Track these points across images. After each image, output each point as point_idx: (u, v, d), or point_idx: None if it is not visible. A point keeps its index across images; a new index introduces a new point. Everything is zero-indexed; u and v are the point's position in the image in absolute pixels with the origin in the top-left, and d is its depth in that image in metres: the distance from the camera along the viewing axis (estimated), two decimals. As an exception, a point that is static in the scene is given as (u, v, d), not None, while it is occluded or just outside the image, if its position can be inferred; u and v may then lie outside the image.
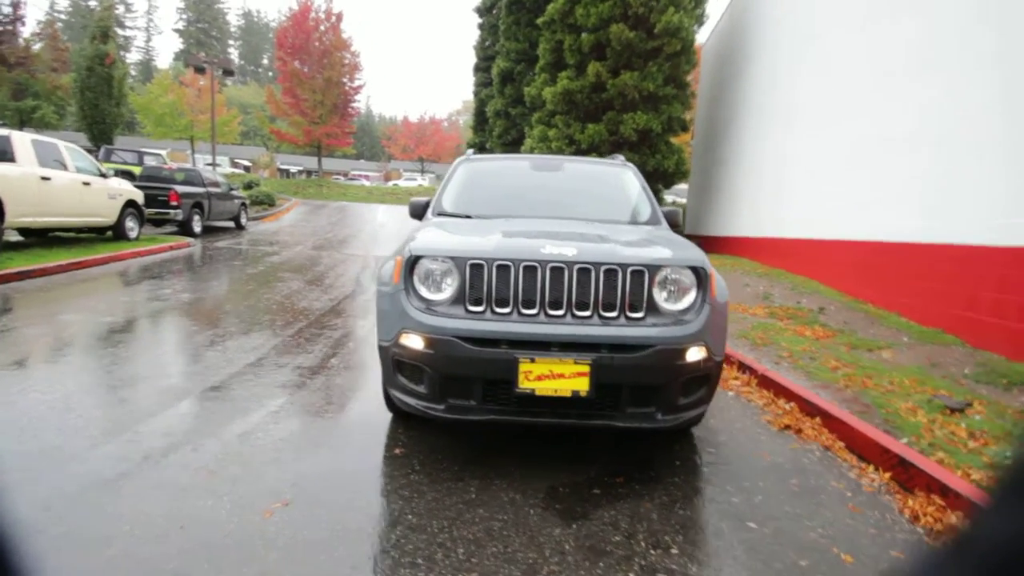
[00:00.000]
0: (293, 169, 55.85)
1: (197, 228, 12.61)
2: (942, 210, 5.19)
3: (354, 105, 38.47)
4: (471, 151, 4.06)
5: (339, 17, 34.51)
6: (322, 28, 33.98)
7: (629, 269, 2.26)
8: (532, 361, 2.18)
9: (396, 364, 2.40)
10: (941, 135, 5.32)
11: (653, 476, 2.49)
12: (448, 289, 2.35)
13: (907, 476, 2.44)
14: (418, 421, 2.87)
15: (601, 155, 12.80)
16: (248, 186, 18.93)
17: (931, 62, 5.58)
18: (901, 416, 3.21)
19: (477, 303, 2.30)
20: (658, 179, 13.69)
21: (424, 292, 2.37)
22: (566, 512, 2.16)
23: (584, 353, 2.19)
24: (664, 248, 2.49)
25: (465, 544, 1.91)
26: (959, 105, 5.13)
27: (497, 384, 2.24)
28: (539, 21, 14.55)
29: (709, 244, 13.24)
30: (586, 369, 2.17)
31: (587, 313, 2.25)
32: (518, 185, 3.66)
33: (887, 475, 2.53)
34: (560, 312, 2.26)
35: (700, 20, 13.01)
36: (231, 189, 15.26)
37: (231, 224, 15.05)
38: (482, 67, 21.82)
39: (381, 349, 2.51)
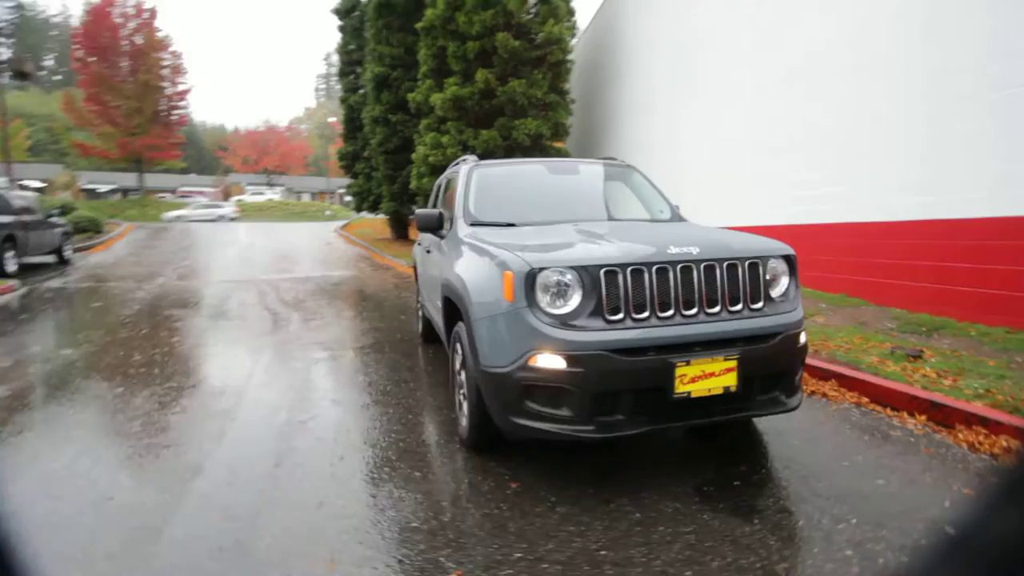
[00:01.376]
0: (103, 188, 47.14)
1: (11, 267, 10.04)
2: (840, 196, 6.21)
3: (179, 112, 33.80)
4: (473, 157, 3.80)
5: (152, 14, 30.03)
6: (131, 25, 29.26)
7: (747, 262, 2.33)
8: (687, 364, 2.13)
9: (526, 390, 2.16)
10: (823, 137, 6.37)
11: (752, 452, 2.60)
12: (572, 301, 2.18)
13: (943, 415, 2.89)
14: (505, 454, 2.62)
15: (496, 159, 12.97)
16: (63, 211, 15.48)
17: (792, 79, 6.66)
18: (879, 368, 3.77)
19: (615, 311, 2.17)
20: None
21: (551, 307, 2.17)
22: (735, 507, 2.15)
23: (730, 349, 2.21)
24: (749, 239, 2.61)
25: (684, 565, 1.80)
26: (830, 111, 6.19)
27: (647, 393, 2.14)
28: (418, 27, 14.22)
29: None
30: (734, 364, 2.19)
31: (716, 309, 2.27)
32: (544, 190, 3.55)
33: (923, 418, 2.97)
34: (693, 311, 2.24)
35: (573, 31, 13.87)
36: (48, 216, 12.39)
37: (50, 258, 12.20)
38: (348, 72, 20.60)
39: (495, 376, 2.24)
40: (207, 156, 60.05)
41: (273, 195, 47.14)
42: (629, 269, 2.18)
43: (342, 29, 20.65)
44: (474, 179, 3.44)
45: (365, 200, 20.40)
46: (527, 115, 13.30)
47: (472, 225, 3.12)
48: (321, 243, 20.26)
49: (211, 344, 5.47)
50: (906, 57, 5.24)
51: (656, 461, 2.59)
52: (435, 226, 3.42)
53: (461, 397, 2.77)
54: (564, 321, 2.15)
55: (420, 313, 5.29)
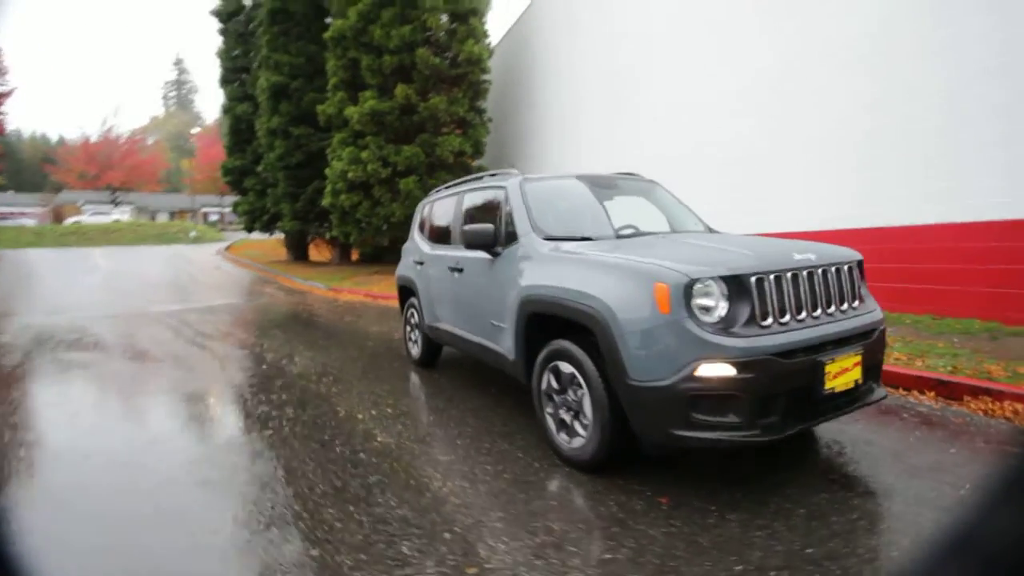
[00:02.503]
0: None
1: None
2: (765, 211, 7.03)
3: (-2, 118, 28.12)
4: (514, 170, 3.66)
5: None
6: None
7: (846, 266, 2.57)
8: (832, 361, 2.27)
9: (692, 400, 2.14)
10: (753, 154, 7.22)
11: (833, 438, 2.84)
12: (728, 309, 2.22)
13: (948, 391, 3.41)
14: (617, 471, 2.54)
15: (420, 176, 12.67)
16: None
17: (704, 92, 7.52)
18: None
19: (764, 317, 2.25)
20: (471, 198, 14.27)
21: (709, 316, 2.19)
22: (865, 483, 2.34)
23: (855, 345, 2.40)
24: (827, 246, 2.86)
25: (884, 544, 1.91)
26: (763, 131, 7.06)
27: (800, 393, 2.24)
28: (326, 37, 13.47)
29: None
30: (859, 359, 2.38)
31: (832, 309, 2.46)
32: (599, 204, 3.55)
33: (932, 394, 3.47)
34: (819, 312, 2.41)
35: (490, 52, 14.14)
36: None
37: None
38: (233, 79, 18.70)
39: (652, 390, 2.19)
40: (28, 171, 50.57)
41: (120, 215, 41.08)
42: (772, 276, 2.29)
43: (224, 33, 18.79)
44: (529, 194, 3.35)
45: (258, 219, 18.59)
46: (449, 132, 13.22)
47: (548, 239, 3.03)
48: (207, 267, 18.03)
49: (172, 402, 4.59)
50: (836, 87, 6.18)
51: (756, 462, 2.69)
52: (490, 242, 3.26)
53: (568, 417, 2.65)
54: (725, 329, 2.19)
55: (415, 337, 4.97)
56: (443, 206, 4.49)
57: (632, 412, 2.30)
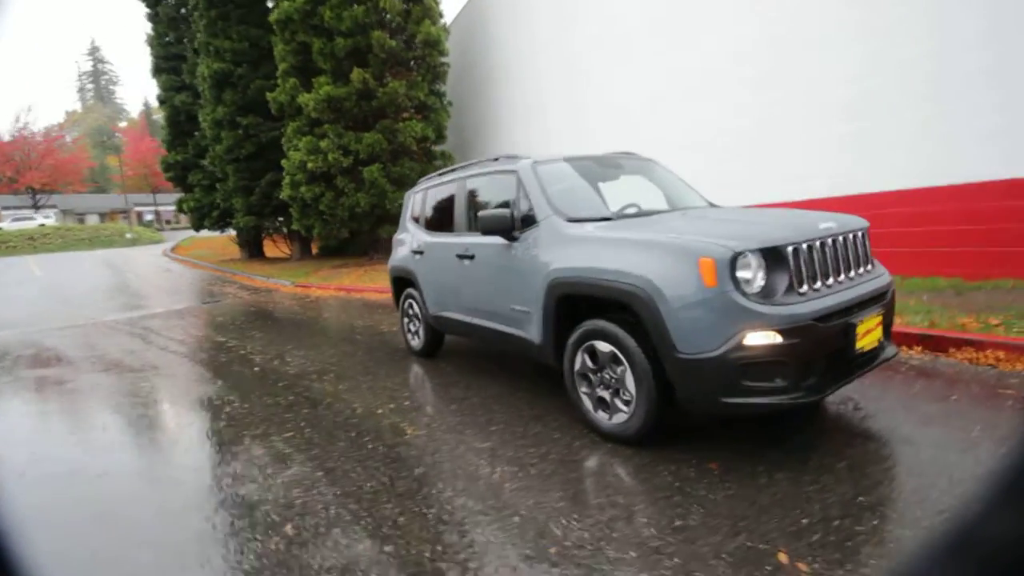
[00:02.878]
0: None
1: None
2: (737, 184, 7.29)
3: None
4: (528, 158, 3.58)
5: None
6: None
7: (860, 232, 2.72)
8: (861, 322, 2.42)
9: (742, 368, 2.23)
10: (711, 138, 7.44)
11: (841, 393, 3.04)
12: (769, 280, 2.32)
13: (934, 343, 3.70)
14: (662, 442, 2.63)
15: (383, 164, 12.34)
16: None
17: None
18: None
19: (800, 284, 2.37)
20: (436, 185, 14.05)
21: (752, 288, 2.28)
22: (887, 431, 2.53)
23: (876, 306, 2.56)
24: (835, 215, 3.00)
25: (929, 487, 2.08)
26: (738, 112, 7.28)
27: (836, 354, 2.37)
28: (271, 19, 12.79)
29: None
30: (880, 319, 2.55)
31: (851, 273, 2.61)
32: (615, 184, 3.57)
33: (919, 348, 3.75)
34: (842, 277, 2.55)
35: (447, 33, 13.81)
36: None
37: None
38: (166, 68, 17.42)
39: (702, 362, 2.26)
40: (-72, 173, 45.78)
41: (45, 219, 38.03)
42: (804, 245, 2.40)
43: (154, 18, 17.45)
44: (544, 177, 3.33)
45: (207, 216, 17.62)
46: (410, 118, 12.89)
47: (572, 220, 3.04)
48: (155, 270, 17.00)
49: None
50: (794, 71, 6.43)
51: (783, 424, 2.84)
52: (507, 228, 3.24)
53: (607, 394, 2.71)
54: (767, 299, 2.28)
55: (414, 328, 4.90)
56: (441, 193, 4.41)
57: (682, 384, 2.37)
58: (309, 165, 12.08)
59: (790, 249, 2.35)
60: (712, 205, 3.83)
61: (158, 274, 15.86)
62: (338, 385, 4.23)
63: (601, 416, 2.78)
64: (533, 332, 3.19)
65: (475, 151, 14.45)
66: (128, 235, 36.41)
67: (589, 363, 2.82)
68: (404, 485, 2.50)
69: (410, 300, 4.90)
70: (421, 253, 4.52)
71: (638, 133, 8.69)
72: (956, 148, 5.04)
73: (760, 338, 2.22)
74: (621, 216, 3.16)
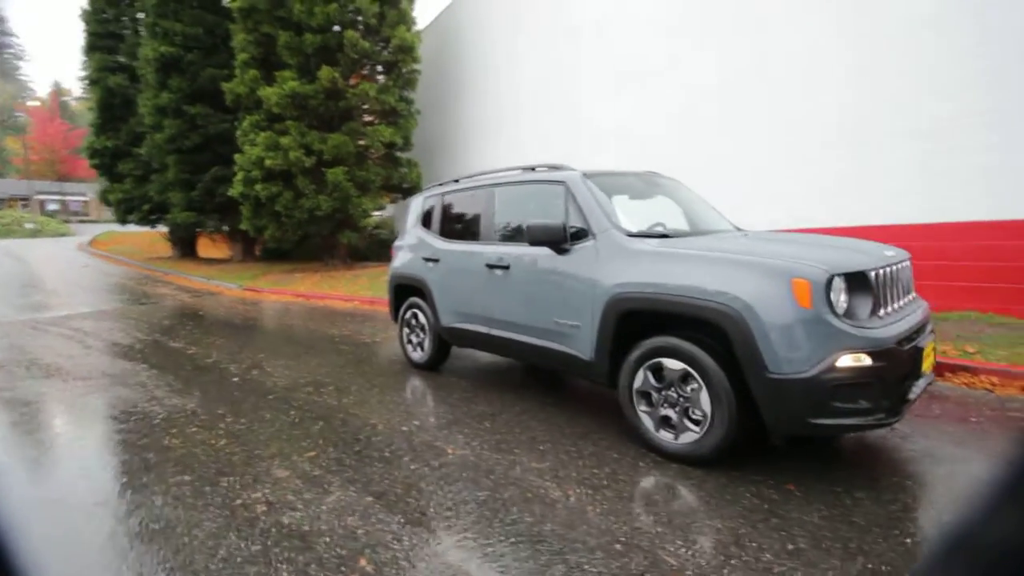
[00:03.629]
0: None
1: None
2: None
3: None
4: (574, 170, 3.46)
5: None
6: None
7: (908, 260, 2.86)
8: (926, 347, 2.51)
9: (834, 389, 2.24)
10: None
11: None
12: (843, 303, 2.36)
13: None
14: (729, 463, 2.60)
15: (349, 168, 11.84)
16: None
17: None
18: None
19: (880, 307, 2.43)
20: (404, 193, 13.67)
21: (843, 310, 2.31)
22: (925, 441, 2.63)
23: (930, 331, 2.68)
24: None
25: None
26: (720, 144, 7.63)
27: (906, 376, 2.44)
28: (233, 6, 12.02)
29: None
30: (933, 344, 2.67)
31: (905, 300, 2.73)
32: (657, 204, 3.54)
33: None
34: (901, 303, 2.65)
35: (420, 40, 13.60)
36: None
37: None
38: (101, 46, 15.83)
39: (794, 382, 2.25)
40: None
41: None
42: (882, 270, 2.48)
43: (90, -11, 15.92)
44: (596, 190, 3.26)
45: (135, 209, 16.05)
46: (380, 122, 12.49)
47: (633, 236, 2.98)
48: (72, 265, 15.25)
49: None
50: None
51: (807, 445, 2.90)
52: (559, 239, 3.13)
53: (674, 413, 2.64)
54: (859, 322, 2.32)
55: (418, 339, 4.64)
56: (462, 200, 4.23)
57: (769, 404, 2.34)
58: (267, 162, 11.36)
59: (873, 274, 2.42)
60: (737, 229, 3.92)
61: (77, 271, 14.21)
62: (341, 399, 3.89)
63: (665, 436, 2.70)
64: (583, 347, 3.08)
65: (442, 161, 14.23)
66: (29, 225, 32.64)
67: (652, 381, 2.74)
68: (474, 511, 2.28)
69: (414, 310, 4.63)
70: (435, 261, 4.30)
71: (609, 156, 8.90)
72: (936, 189, 5.53)
73: (852, 360, 2.24)
74: (678, 234, 3.14)
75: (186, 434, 3.25)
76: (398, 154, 13.26)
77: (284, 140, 11.37)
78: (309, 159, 11.51)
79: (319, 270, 13.21)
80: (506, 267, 3.59)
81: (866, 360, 2.25)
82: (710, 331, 2.53)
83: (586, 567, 1.88)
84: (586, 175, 3.38)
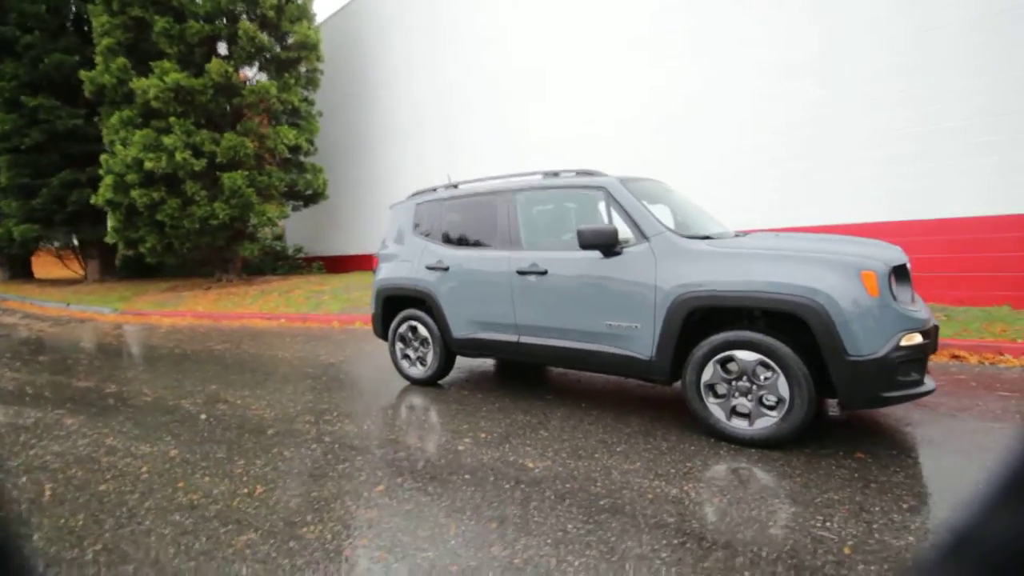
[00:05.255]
0: None
1: None
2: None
3: None
4: (610, 176, 3.48)
5: None
6: None
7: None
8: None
9: (899, 366, 2.57)
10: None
11: None
12: (899, 291, 2.73)
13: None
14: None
15: (249, 171, 10.64)
16: None
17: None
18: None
19: (913, 295, 2.85)
20: (307, 201, 12.62)
21: (897, 297, 2.66)
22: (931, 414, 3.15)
23: (929, 313, 3.20)
24: None
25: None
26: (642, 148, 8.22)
27: (931, 351, 2.87)
28: (94, -19, 10.16)
29: (332, 264, 13.66)
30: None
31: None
32: (674, 205, 3.70)
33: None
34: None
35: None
36: None
37: None
38: None
39: (870, 362, 2.53)
40: None
41: None
42: (908, 264, 2.90)
43: None
44: (634, 197, 3.35)
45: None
46: (280, 123, 11.40)
47: (689, 238, 3.12)
48: None
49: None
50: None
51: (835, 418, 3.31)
52: (612, 242, 3.18)
53: (748, 402, 2.82)
54: (906, 307, 2.68)
55: (418, 354, 4.36)
56: (474, 205, 4.06)
57: (849, 384, 2.60)
58: (148, 164, 9.79)
59: (908, 266, 2.83)
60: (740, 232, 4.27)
61: None
62: (362, 425, 3.52)
63: (738, 424, 2.87)
64: (641, 348, 3.15)
65: (348, 167, 13.44)
66: None
67: (722, 373, 2.91)
68: (616, 523, 2.22)
69: (412, 323, 4.34)
70: (444, 269, 4.07)
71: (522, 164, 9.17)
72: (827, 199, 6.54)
73: (911, 339, 2.60)
74: (721, 235, 3.36)
75: (211, 494, 2.70)
76: (302, 158, 12.25)
77: (167, 139, 9.87)
78: (199, 161, 10.15)
79: (210, 287, 11.68)
80: (542, 272, 3.53)
81: (918, 338, 2.62)
82: (784, 322, 2.76)
83: (770, 556, 1.94)
84: (623, 180, 3.47)
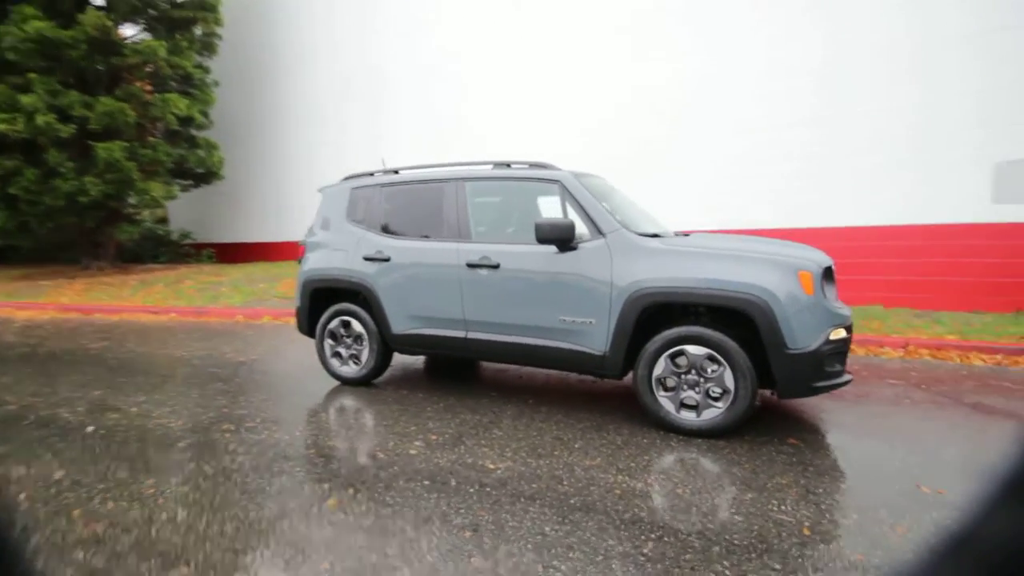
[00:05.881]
0: None
1: None
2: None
3: None
4: (563, 169, 3.42)
5: None
6: None
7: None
8: (850, 322, 3.32)
9: (827, 358, 2.82)
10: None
11: None
12: (826, 289, 2.99)
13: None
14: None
15: (129, 142, 9.28)
16: None
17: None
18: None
19: (836, 294, 3.13)
20: (198, 180, 11.32)
21: (826, 294, 2.91)
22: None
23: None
24: None
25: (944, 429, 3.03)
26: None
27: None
28: None
29: (227, 252, 12.56)
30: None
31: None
32: (617, 202, 3.73)
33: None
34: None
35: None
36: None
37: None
38: None
39: (805, 355, 2.74)
40: None
41: None
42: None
43: None
44: (592, 190, 3.34)
45: None
46: (167, 89, 10.05)
47: (638, 235, 3.17)
48: None
49: None
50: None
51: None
52: (569, 237, 3.15)
53: (696, 395, 2.94)
54: (832, 304, 2.94)
55: (351, 351, 4.06)
56: (418, 193, 3.83)
57: (787, 375, 2.79)
58: (0, 127, 8.17)
59: (833, 268, 3.11)
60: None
61: None
62: (293, 432, 3.19)
63: (687, 416, 2.99)
64: (595, 343, 3.17)
65: (251, 145, 12.28)
66: None
67: (672, 367, 3.01)
68: (592, 522, 2.19)
69: (344, 318, 4.03)
70: (385, 260, 3.81)
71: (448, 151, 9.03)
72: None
73: (837, 333, 2.86)
74: (665, 235, 3.46)
75: (121, 522, 2.27)
76: (194, 132, 10.95)
77: (26, 99, 8.33)
78: (67, 127, 8.71)
79: (76, 275, 10.09)
80: (494, 266, 3.43)
81: (843, 333, 2.90)
82: (726, 318, 2.91)
83: (743, 543, 2.02)
84: (576, 175, 3.46)
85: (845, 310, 3.02)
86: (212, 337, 6.05)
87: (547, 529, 2.11)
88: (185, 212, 13.74)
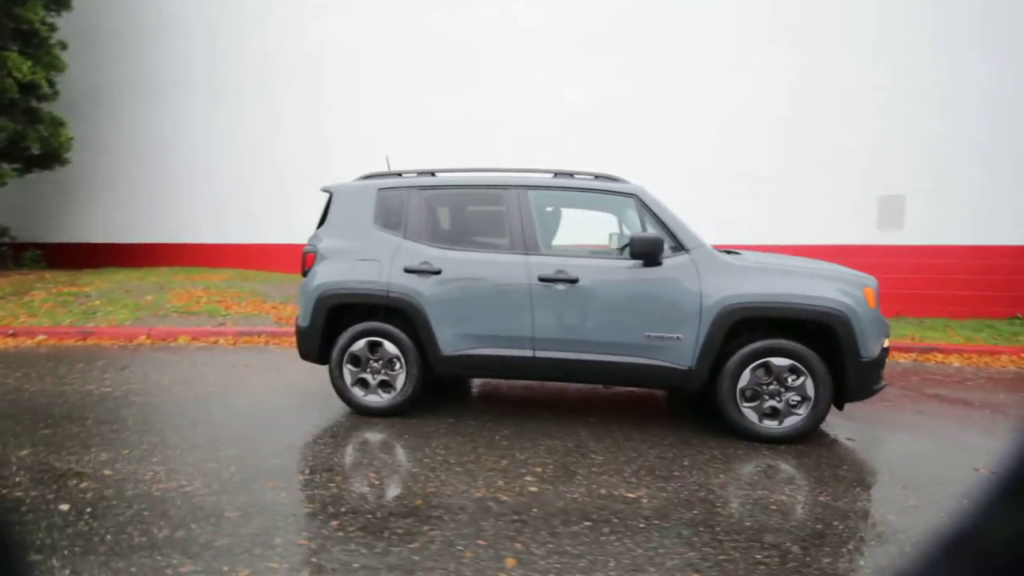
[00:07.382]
0: None
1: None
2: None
3: None
4: (633, 183, 3.31)
5: None
6: None
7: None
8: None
9: (881, 364, 3.19)
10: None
11: None
12: None
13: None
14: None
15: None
16: None
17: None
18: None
19: (868, 306, 3.56)
20: (37, 163, 8.93)
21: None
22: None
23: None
24: None
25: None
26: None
27: None
28: None
29: (61, 254, 10.38)
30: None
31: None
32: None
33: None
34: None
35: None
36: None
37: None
38: None
39: (872, 362, 3.05)
40: None
41: None
42: (870, 281, 3.61)
43: None
44: (660, 202, 3.34)
45: None
46: (5, 48, 7.74)
47: (719, 251, 3.26)
48: None
49: None
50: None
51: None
52: (659, 252, 3.13)
53: (779, 404, 3.10)
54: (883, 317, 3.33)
55: (390, 378, 3.53)
56: (474, 199, 3.50)
57: (858, 381, 3.10)
58: None
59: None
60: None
61: None
62: (382, 479, 2.68)
63: (769, 425, 3.15)
64: (681, 358, 3.18)
65: (109, 124, 10.07)
66: None
67: (762, 378, 3.15)
68: (770, 537, 2.20)
69: (370, 339, 3.50)
70: (435, 273, 3.39)
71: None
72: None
73: (887, 342, 3.27)
74: (732, 252, 3.61)
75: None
76: (35, 104, 8.63)
77: None
78: None
79: None
80: (572, 280, 3.26)
81: (887, 342, 3.32)
82: (802, 330, 3.15)
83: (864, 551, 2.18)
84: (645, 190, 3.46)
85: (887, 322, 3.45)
86: (131, 364, 4.81)
87: (758, 556, 2.05)
88: (1, 203, 10.70)
